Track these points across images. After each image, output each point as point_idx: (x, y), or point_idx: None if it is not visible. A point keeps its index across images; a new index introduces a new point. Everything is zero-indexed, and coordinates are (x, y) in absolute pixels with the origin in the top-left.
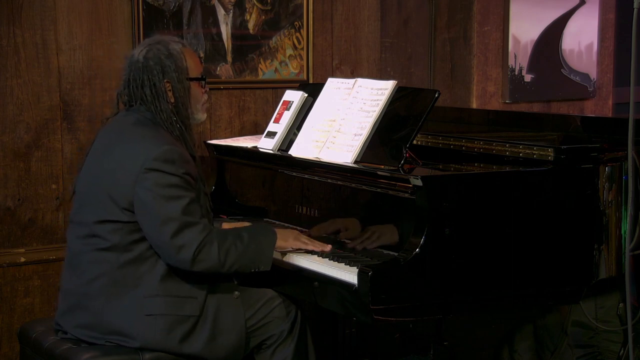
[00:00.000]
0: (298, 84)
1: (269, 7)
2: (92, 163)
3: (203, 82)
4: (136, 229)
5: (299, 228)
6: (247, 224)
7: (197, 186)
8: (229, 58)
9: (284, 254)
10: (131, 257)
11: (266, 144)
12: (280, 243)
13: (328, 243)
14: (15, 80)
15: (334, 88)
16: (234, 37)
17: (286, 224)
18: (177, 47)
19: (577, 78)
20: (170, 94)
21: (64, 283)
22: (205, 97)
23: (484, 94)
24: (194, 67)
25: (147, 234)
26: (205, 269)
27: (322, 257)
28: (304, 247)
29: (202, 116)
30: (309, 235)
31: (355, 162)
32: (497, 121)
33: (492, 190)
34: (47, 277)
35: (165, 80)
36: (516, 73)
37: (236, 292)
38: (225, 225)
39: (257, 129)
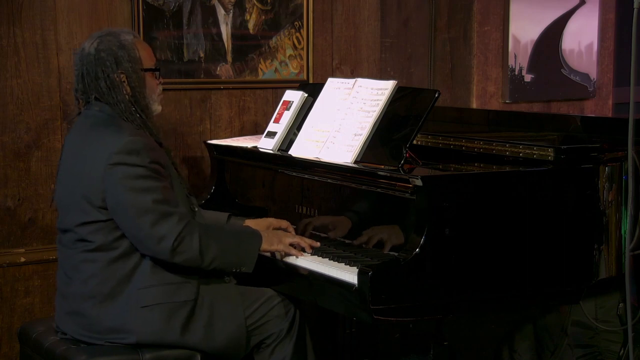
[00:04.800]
0: (298, 84)
1: (269, 7)
2: (64, 170)
3: (157, 73)
4: (116, 226)
5: (295, 227)
6: (271, 219)
7: (168, 173)
8: (229, 58)
9: (283, 254)
10: (118, 254)
11: (266, 144)
12: (264, 246)
13: (327, 243)
14: (15, 80)
15: (334, 88)
16: (234, 37)
17: None
18: (128, 38)
19: (577, 78)
20: (125, 85)
21: (59, 288)
22: (161, 88)
23: (484, 94)
24: (147, 58)
25: (124, 229)
26: (184, 260)
27: (322, 257)
28: (287, 251)
29: (157, 107)
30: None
31: (355, 162)
32: (497, 121)
33: (492, 190)
34: (47, 277)
35: (119, 71)
36: (516, 73)
37: (226, 278)
38: (249, 222)
39: (257, 129)
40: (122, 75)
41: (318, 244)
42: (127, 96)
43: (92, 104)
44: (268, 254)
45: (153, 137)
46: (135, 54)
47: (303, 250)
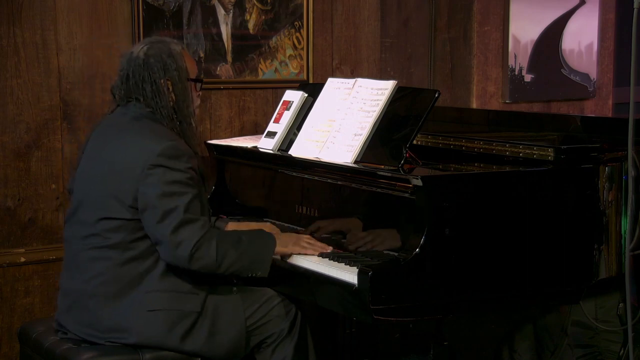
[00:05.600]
0: (298, 84)
1: (269, 7)
2: (89, 162)
3: (199, 85)
4: (140, 227)
5: (299, 228)
6: (253, 224)
7: (200, 181)
8: (229, 58)
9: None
10: (134, 255)
11: (266, 144)
12: (279, 249)
13: (328, 243)
14: (15, 80)
15: (334, 88)
16: (234, 37)
17: (286, 224)
18: (177, 48)
19: (577, 78)
20: (171, 92)
21: (64, 282)
22: (199, 101)
23: (484, 94)
24: (192, 69)
25: (147, 229)
26: (201, 267)
27: (322, 257)
28: (303, 251)
29: (195, 119)
30: (310, 234)
31: (355, 162)
32: (497, 121)
33: (492, 190)
34: (47, 277)
35: (166, 78)
36: (516, 73)
37: (234, 289)
38: (231, 226)
39: (257, 129)
40: (168, 83)
41: (330, 248)
42: (171, 103)
43: (132, 104)
44: (278, 257)
45: (190, 146)
46: (182, 64)
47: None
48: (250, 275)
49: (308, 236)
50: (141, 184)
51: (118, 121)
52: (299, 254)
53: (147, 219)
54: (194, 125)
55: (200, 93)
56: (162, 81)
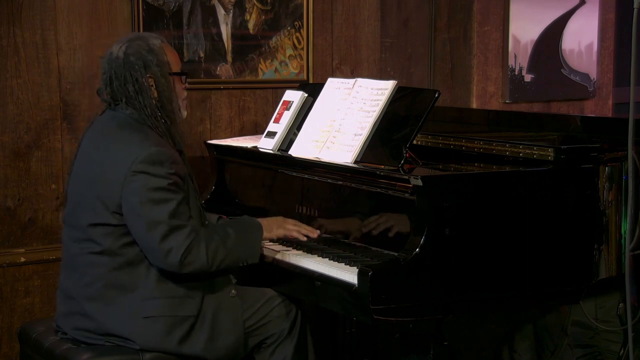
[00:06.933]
0: (298, 84)
1: (269, 7)
2: (81, 165)
3: (184, 78)
4: (126, 233)
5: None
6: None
7: (186, 186)
8: (229, 58)
9: (283, 254)
10: (123, 261)
11: (266, 144)
12: (265, 235)
13: (328, 243)
14: (15, 80)
15: (334, 88)
16: (234, 37)
17: None
18: (156, 42)
19: (577, 78)
20: (153, 89)
21: (62, 284)
22: (185, 93)
23: (484, 94)
24: (174, 62)
25: (136, 237)
26: (193, 270)
27: (322, 257)
28: (288, 234)
29: (183, 112)
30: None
31: (355, 162)
32: (497, 121)
33: (492, 190)
34: (47, 277)
35: (148, 75)
36: (516, 73)
37: (233, 291)
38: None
39: (257, 129)
40: (150, 79)
41: (318, 232)
42: (153, 100)
43: (120, 107)
44: (273, 239)
45: (176, 145)
46: (163, 58)
47: (306, 236)
48: (242, 264)
49: (293, 220)
50: (124, 191)
51: (106, 125)
52: (285, 236)
53: (133, 227)
54: (179, 121)
55: (187, 85)
56: (143, 79)
